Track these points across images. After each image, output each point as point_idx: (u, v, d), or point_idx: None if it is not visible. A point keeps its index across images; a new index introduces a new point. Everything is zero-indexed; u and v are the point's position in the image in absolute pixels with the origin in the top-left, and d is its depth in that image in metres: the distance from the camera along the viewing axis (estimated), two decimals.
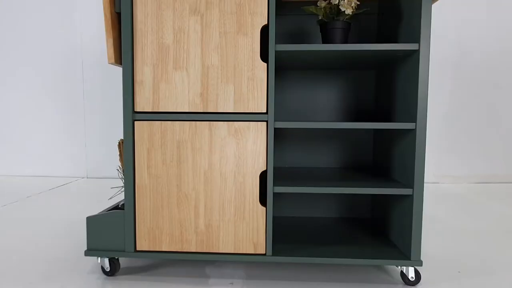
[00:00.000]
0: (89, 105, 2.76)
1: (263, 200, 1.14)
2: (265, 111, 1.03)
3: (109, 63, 1.02)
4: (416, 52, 1.01)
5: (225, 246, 1.07)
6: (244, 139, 1.04)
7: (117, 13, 1.06)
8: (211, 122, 1.04)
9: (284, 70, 1.45)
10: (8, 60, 2.77)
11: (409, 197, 1.05)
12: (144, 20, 1.02)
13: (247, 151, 1.04)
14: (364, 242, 1.18)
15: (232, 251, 1.06)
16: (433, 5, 2.43)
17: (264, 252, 1.06)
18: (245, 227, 1.06)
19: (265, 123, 1.03)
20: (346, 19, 1.11)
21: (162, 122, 1.04)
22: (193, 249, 1.07)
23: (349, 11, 1.08)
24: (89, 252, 1.10)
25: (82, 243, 1.41)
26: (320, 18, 1.15)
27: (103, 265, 1.13)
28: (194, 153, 1.05)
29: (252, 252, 1.06)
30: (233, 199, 1.05)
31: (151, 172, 1.06)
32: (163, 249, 1.08)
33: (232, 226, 1.06)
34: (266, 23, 1.01)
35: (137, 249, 1.08)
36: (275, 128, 1.45)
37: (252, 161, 1.04)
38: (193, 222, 1.07)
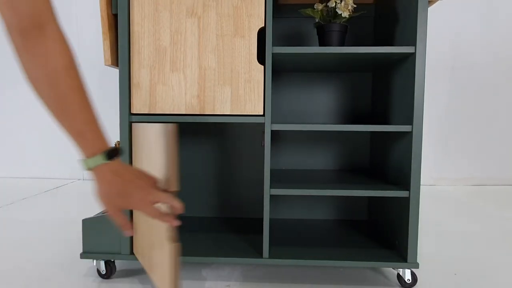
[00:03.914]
0: None
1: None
2: (262, 113, 1.03)
3: (105, 65, 1.02)
4: (412, 55, 1.02)
5: None
6: None
7: (114, 14, 1.05)
8: None
9: (281, 72, 1.45)
10: (5, 61, 2.76)
11: (406, 199, 1.05)
12: (141, 22, 1.02)
13: None
14: (361, 244, 1.18)
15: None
16: (429, 8, 2.44)
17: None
18: None
19: None
20: (343, 22, 1.11)
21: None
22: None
23: (346, 14, 1.08)
24: (85, 254, 1.09)
25: (77, 246, 1.40)
26: (317, 20, 1.16)
27: (99, 268, 1.12)
28: None
29: None
30: None
31: None
32: None
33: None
34: (263, 25, 1.01)
35: (133, 251, 1.08)
36: (272, 130, 1.45)
37: None
38: None
